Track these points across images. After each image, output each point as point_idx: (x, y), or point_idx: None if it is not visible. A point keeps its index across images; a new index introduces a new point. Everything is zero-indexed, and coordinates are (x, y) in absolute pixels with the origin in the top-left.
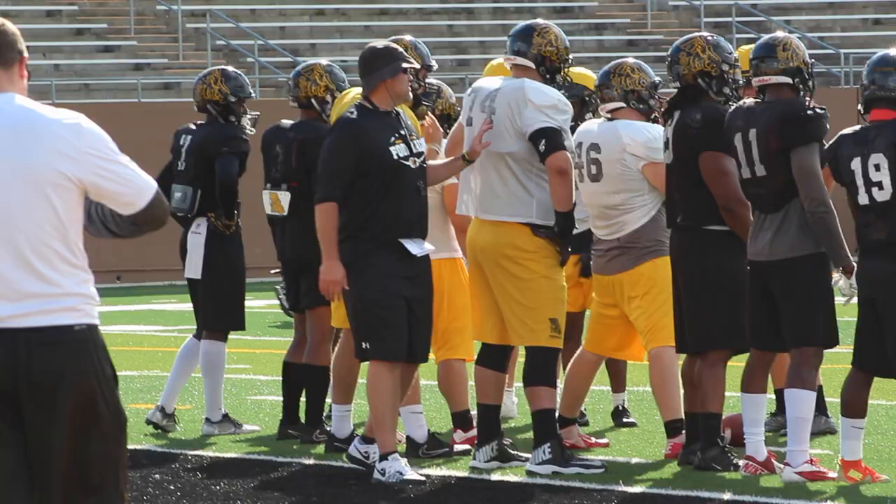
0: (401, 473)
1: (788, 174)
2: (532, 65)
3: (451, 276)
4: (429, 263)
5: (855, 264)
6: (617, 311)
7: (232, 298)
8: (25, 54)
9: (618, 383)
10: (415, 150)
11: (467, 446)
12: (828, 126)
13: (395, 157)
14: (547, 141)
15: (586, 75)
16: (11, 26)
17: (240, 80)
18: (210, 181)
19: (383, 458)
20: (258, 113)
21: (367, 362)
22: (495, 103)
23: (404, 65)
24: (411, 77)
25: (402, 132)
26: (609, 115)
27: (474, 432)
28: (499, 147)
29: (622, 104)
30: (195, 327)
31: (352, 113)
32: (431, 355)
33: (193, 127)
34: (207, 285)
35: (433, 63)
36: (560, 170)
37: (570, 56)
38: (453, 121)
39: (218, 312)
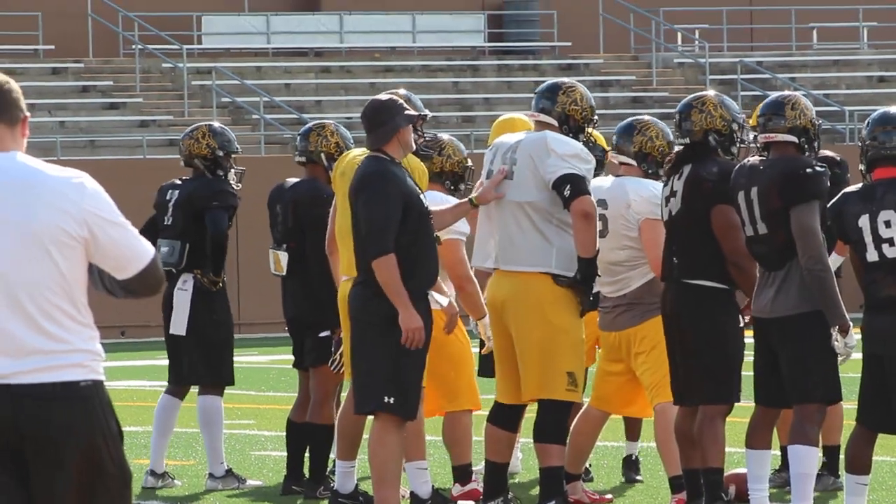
0: None
1: (789, 232)
2: (556, 122)
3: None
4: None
5: (850, 323)
6: (622, 367)
7: (222, 354)
8: (27, 113)
9: (633, 432)
10: (426, 201)
11: (469, 501)
12: (828, 183)
13: (425, 205)
14: (571, 186)
15: (597, 135)
16: (15, 85)
17: (227, 134)
18: (197, 236)
19: None
20: (244, 168)
21: (368, 416)
22: (517, 154)
23: (412, 113)
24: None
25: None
26: (619, 171)
27: (472, 486)
28: (519, 196)
29: (633, 162)
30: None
31: (377, 164)
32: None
33: (179, 182)
34: (196, 342)
35: (427, 112)
36: (585, 214)
37: (596, 116)
38: (459, 177)
39: (209, 368)
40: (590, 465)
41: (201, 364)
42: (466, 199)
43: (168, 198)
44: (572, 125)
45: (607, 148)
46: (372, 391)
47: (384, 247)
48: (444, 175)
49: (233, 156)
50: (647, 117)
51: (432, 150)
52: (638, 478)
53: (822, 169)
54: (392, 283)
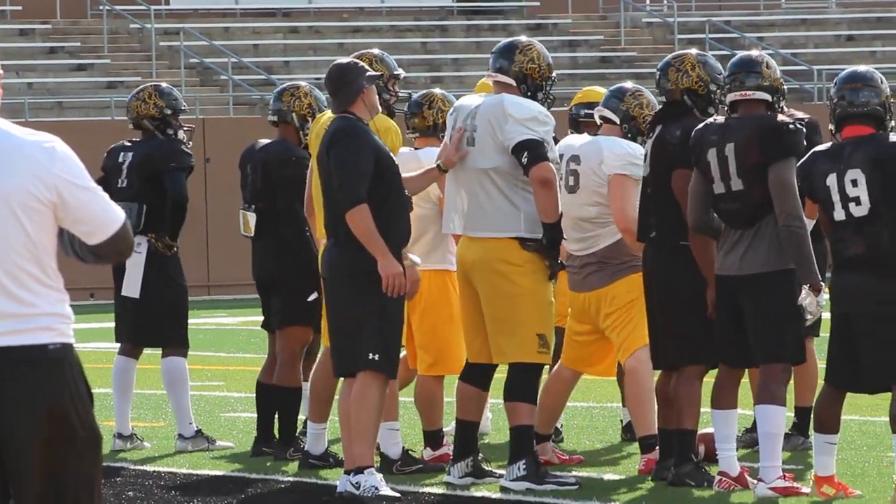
0: (376, 488)
1: (765, 188)
2: (513, 82)
3: (439, 288)
4: None
5: (822, 283)
6: (590, 328)
7: (177, 318)
8: (0, 72)
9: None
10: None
11: (440, 463)
12: (804, 142)
13: (396, 164)
14: (529, 153)
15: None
16: None
17: (174, 94)
18: (154, 198)
19: (359, 471)
20: (193, 126)
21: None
22: (476, 120)
23: (374, 74)
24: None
25: None
26: (599, 128)
27: (444, 450)
28: (482, 163)
29: (616, 120)
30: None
31: (346, 121)
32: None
33: (129, 144)
34: (150, 306)
35: (400, 72)
36: (544, 180)
37: (553, 74)
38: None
39: (172, 330)
40: (560, 426)
41: (156, 328)
42: (434, 165)
43: (121, 160)
44: (530, 84)
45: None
46: (355, 349)
47: (357, 196)
48: (439, 128)
49: (180, 114)
50: (637, 86)
51: (419, 107)
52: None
53: (801, 127)
54: (368, 231)
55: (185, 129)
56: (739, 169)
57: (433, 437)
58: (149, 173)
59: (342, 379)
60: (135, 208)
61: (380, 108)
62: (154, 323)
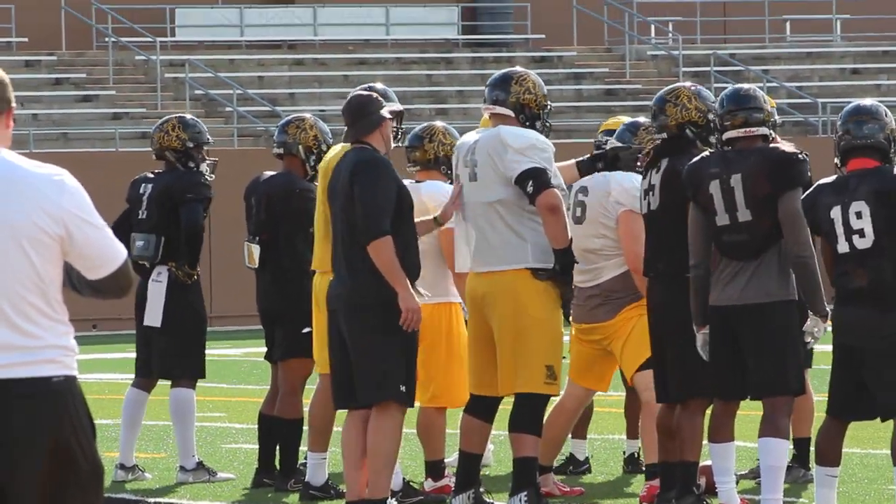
0: None
1: (774, 219)
2: (511, 113)
3: (443, 321)
4: None
5: (829, 313)
6: (593, 349)
7: (196, 347)
8: (14, 104)
9: (633, 430)
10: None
11: (442, 494)
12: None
13: (411, 199)
14: (534, 181)
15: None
16: (3, 74)
17: (198, 126)
18: (172, 229)
19: (381, 503)
20: (216, 159)
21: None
22: (476, 155)
23: (395, 108)
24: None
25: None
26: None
27: (445, 482)
28: (487, 197)
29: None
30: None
31: (369, 152)
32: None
33: (152, 175)
34: (171, 334)
35: (399, 107)
36: (551, 207)
37: (549, 103)
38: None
39: (182, 361)
40: (590, 455)
41: (174, 357)
42: (431, 217)
43: (142, 192)
44: (528, 113)
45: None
46: (379, 381)
47: (382, 228)
48: (440, 161)
49: (204, 147)
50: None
51: (420, 140)
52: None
53: (807, 157)
54: (391, 263)
55: (209, 161)
56: (748, 200)
57: (434, 468)
58: (167, 204)
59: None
60: (153, 240)
61: (393, 142)
62: (174, 352)
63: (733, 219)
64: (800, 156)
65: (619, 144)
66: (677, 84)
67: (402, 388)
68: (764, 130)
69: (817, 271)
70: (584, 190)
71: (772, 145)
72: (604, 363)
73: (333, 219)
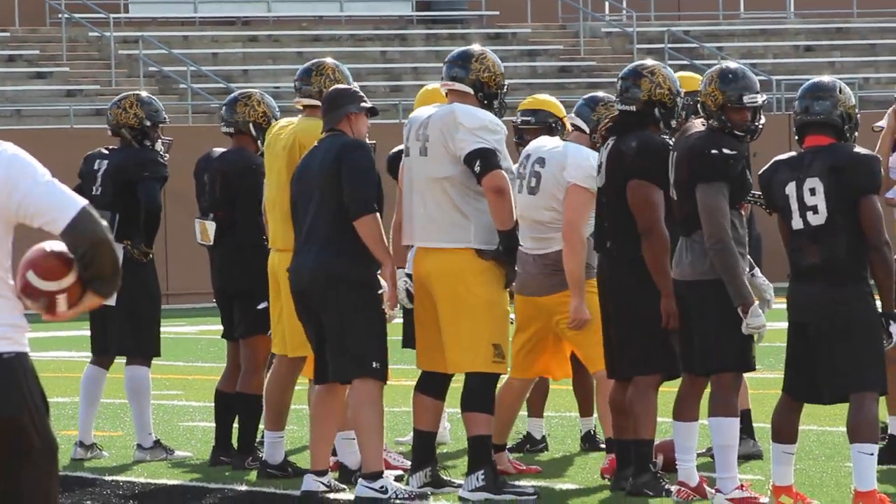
0: (403, 490)
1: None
2: (470, 90)
3: None
4: None
5: (752, 301)
6: (536, 329)
7: (150, 325)
8: None
9: (586, 408)
10: None
11: (400, 472)
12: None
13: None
14: (481, 161)
15: (552, 102)
16: None
17: (155, 104)
18: (128, 206)
19: (377, 476)
20: (171, 139)
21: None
22: (428, 130)
23: (366, 105)
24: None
25: None
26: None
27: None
28: (435, 172)
29: (585, 129)
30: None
31: (346, 137)
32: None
33: (106, 151)
34: (125, 312)
35: (355, 85)
36: (497, 188)
37: (506, 82)
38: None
39: (137, 339)
40: (547, 435)
41: (129, 335)
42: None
43: (96, 167)
44: (487, 92)
45: (563, 115)
46: (356, 357)
47: (371, 205)
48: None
49: (160, 126)
50: (611, 97)
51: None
52: (602, 445)
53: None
54: (379, 239)
55: (164, 140)
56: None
57: None
58: (122, 182)
59: (313, 386)
60: (108, 216)
61: (366, 136)
62: (129, 330)
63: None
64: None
65: (578, 122)
66: (649, 62)
67: (376, 365)
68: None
69: (734, 263)
70: (541, 161)
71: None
72: (549, 350)
73: (300, 198)
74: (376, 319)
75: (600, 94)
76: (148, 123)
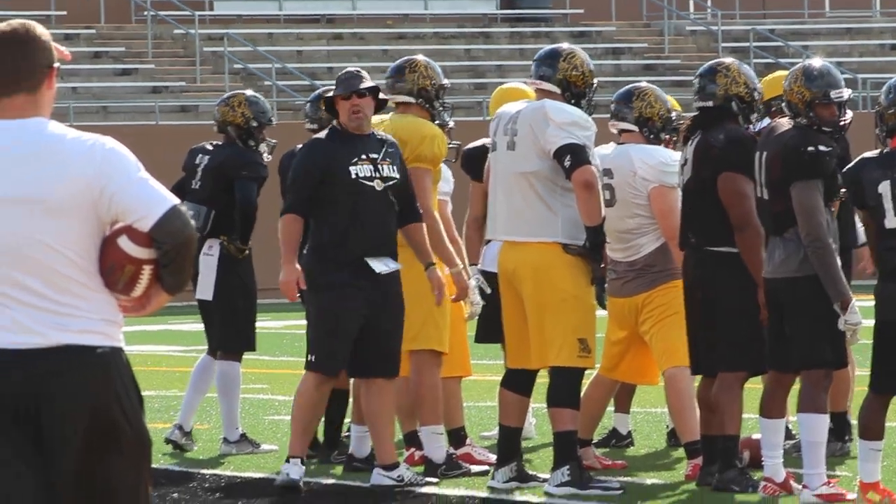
0: (417, 475)
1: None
2: (557, 89)
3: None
4: (395, 281)
5: (851, 297)
6: (626, 335)
7: (245, 321)
8: (56, 63)
9: (622, 403)
10: (382, 174)
11: (485, 467)
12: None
13: (354, 175)
14: (572, 156)
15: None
16: (40, 31)
17: (262, 105)
18: (224, 202)
19: (395, 466)
20: (276, 141)
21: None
22: (517, 125)
23: (347, 87)
24: (359, 105)
25: (372, 155)
26: (620, 139)
27: (466, 449)
28: (522, 167)
29: (634, 128)
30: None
31: (322, 133)
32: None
33: (210, 147)
34: (220, 308)
35: (446, 82)
36: (587, 183)
37: (595, 80)
38: None
39: (231, 334)
40: (633, 430)
41: (224, 330)
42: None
43: (198, 162)
44: (574, 91)
45: (679, 109)
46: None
47: (287, 206)
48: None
49: (266, 128)
50: (644, 84)
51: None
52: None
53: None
54: (284, 239)
55: (268, 142)
56: None
57: (455, 437)
58: (221, 179)
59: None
60: (203, 211)
61: (348, 119)
62: (225, 326)
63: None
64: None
65: (623, 124)
66: (726, 59)
67: (309, 357)
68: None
69: (832, 261)
70: (608, 172)
71: None
72: (638, 356)
73: None
74: (320, 312)
75: (629, 87)
76: (254, 124)
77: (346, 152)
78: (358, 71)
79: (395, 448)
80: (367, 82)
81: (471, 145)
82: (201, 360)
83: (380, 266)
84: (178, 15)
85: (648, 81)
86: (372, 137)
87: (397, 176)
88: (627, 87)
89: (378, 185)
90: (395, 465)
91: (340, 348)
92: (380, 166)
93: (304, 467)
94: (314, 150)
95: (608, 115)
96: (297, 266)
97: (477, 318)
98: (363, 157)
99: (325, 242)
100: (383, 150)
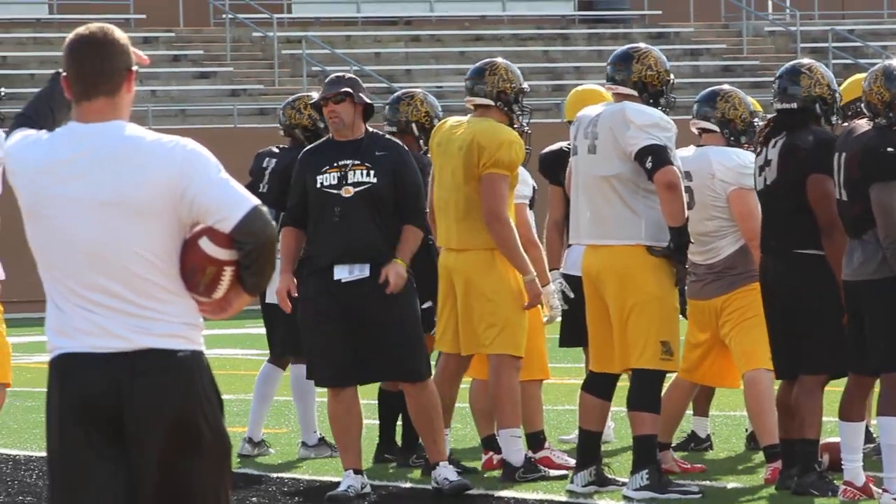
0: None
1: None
2: (633, 92)
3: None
4: (374, 286)
5: None
6: (707, 336)
7: None
8: (135, 67)
9: (701, 406)
10: (351, 180)
11: (564, 471)
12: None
13: (319, 185)
14: (653, 157)
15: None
16: (118, 34)
17: None
18: None
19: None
20: None
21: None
22: (597, 128)
23: (323, 94)
24: (335, 111)
25: (343, 161)
26: (700, 140)
27: (545, 453)
28: (603, 171)
29: (715, 128)
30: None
31: (319, 142)
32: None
33: (277, 150)
34: (292, 311)
35: (526, 85)
36: (669, 184)
37: (672, 77)
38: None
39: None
40: (711, 433)
41: (296, 334)
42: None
43: (265, 165)
44: (651, 91)
45: (761, 111)
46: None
47: (282, 218)
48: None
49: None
50: (728, 86)
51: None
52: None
53: None
54: (281, 251)
55: None
56: None
57: (534, 440)
58: (287, 181)
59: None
60: (272, 214)
61: (334, 122)
62: (297, 329)
63: None
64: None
65: (704, 123)
66: (806, 60)
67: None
68: None
69: None
70: (687, 175)
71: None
72: (719, 359)
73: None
74: (301, 323)
75: (713, 88)
76: (322, 125)
77: (318, 162)
78: (339, 76)
79: (442, 447)
80: (341, 87)
81: (548, 149)
82: (263, 368)
83: (342, 273)
84: (257, 17)
85: (727, 83)
86: (361, 142)
87: (373, 180)
88: (712, 88)
89: (346, 192)
90: (435, 465)
91: (328, 359)
92: (351, 172)
93: (357, 476)
94: (299, 161)
95: (688, 117)
96: (291, 275)
97: (560, 321)
98: (334, 164)
99: (303, 254)
100: (367, 155)
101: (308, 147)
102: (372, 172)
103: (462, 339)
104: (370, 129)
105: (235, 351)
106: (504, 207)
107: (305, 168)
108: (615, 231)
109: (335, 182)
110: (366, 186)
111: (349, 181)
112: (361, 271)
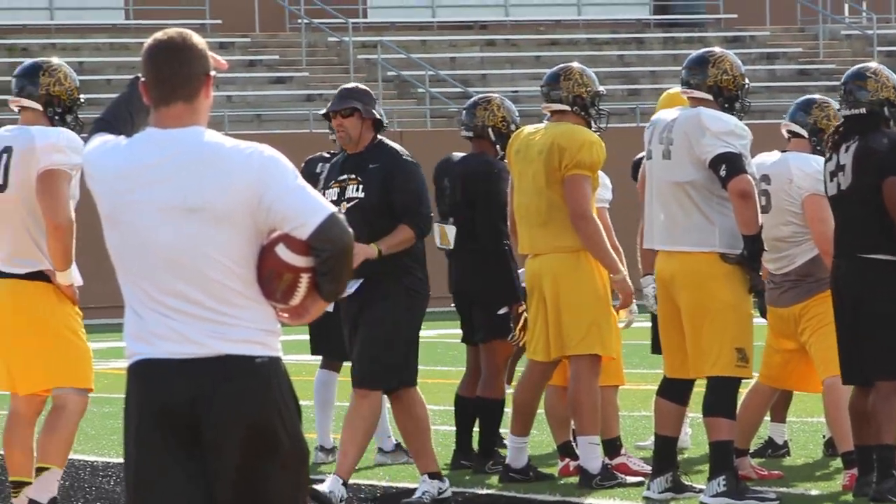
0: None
1: None
2: (709, 96)
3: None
4: (364, 301)
5: None
6: (792, 344)
7: None
8: (212, 72)
9: (778, 413)
10: (347, 196)
11: (641, 478)
12: None
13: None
14: (728, 165)
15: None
16: (196, 39)
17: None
18: None
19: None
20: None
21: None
22: (672, 134)
23: (329, 108)
24: (342, 125)
25: (342, 177)
26: (787, 145)
27: (621, 459)
28: (678, 177)
29: (804, 134)
30: (331, 359)
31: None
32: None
33: (327, 156)
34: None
35: (602, 89)
36: (743, 193)
37: (747, 81)
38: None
39: None
40: (788, 440)
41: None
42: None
43: (318, 171)
44: (726, 95)
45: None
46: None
47: None
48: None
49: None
50: (822, 96)
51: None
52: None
53: None
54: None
55: None
56: None
57: (610, 447)
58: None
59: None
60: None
61: (346, 135)
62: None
63: None
64: None
65: (795, 127)
66: (871, 63)
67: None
68: None
69: None
70: (766, 178)
71: None
72: (801, 365)
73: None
74: None
75: (814, 96)
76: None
77: (329, 176)
78: (350, 89)
79: (431, 457)
80: (351, 101)
81: (640, 155)
82: (318, 376)
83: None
84: (332, 22)
85: (803, 86)
86: (360, 156)
87: (360, 195)
88: (810, 95)
89: (343, 209)
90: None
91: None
92: (348, 188)
93: (433, 482)
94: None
95: (764, 121)
96: None
97: (651, 327)
98: (339, 178)
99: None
100: (361, 169)
101: (332, 160)
102: (361, 187)
103: (552, 342)
104: (378, 140)
105: (312, 357)
106: (589, 207)
107: (322, 182)
108: (689, 238)
109: (335, 198)
110: (355, 202)
111: (346, 197)
112: (352, 287)
